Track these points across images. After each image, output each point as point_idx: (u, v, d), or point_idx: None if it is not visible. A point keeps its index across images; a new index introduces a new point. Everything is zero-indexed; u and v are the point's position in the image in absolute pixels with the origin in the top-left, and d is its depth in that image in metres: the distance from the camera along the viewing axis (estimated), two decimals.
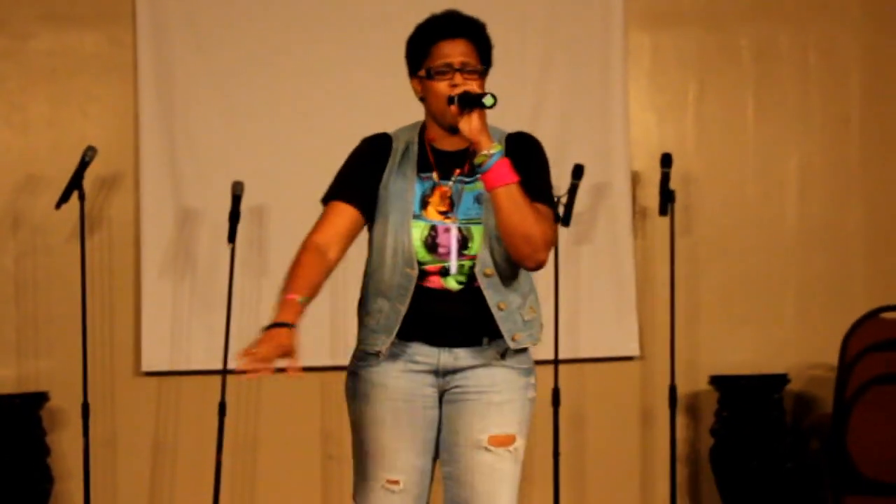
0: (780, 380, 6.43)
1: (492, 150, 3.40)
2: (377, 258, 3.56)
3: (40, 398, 6.28)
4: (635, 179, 6.60)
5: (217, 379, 6.13)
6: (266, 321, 6.43)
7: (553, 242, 3.49)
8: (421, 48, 3.56)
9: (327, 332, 6.39)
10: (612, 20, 6.56)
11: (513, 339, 3.53)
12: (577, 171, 6.17)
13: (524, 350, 3.59)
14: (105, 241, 6.50)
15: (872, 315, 6.30)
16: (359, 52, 6.48)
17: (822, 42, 6.72)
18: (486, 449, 3.51)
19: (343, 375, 6.23)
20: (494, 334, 3.54)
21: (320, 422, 6.48)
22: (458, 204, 3.54)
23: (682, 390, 6.41)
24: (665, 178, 6.19)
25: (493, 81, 6.68)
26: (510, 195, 3.39)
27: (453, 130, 3.50)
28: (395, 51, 6.43)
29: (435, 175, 3.56)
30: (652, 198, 6.42)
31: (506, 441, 3.53)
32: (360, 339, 3.60)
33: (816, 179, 6.73)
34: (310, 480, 6.50)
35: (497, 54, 6.46)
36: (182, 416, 6.50)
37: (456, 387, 3.56)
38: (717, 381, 6.44)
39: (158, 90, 6.43)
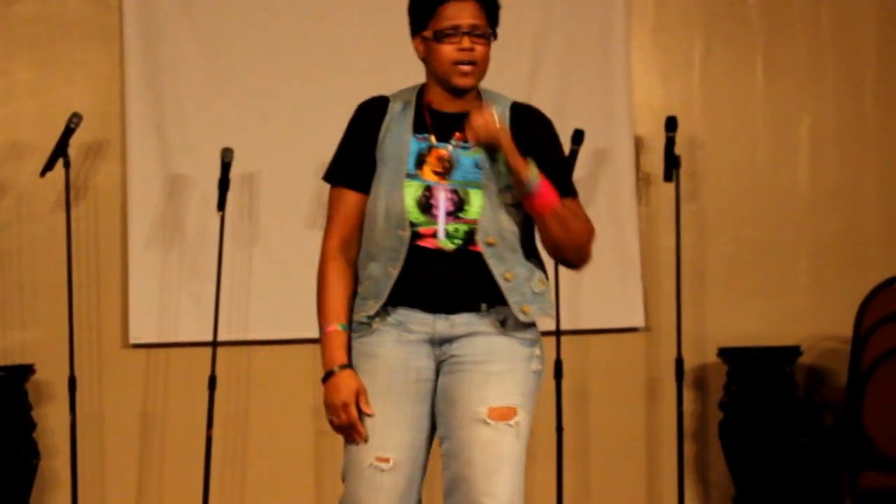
0: (792, 352, 6.35)
1: (531, 178, 3.33)
2: (370, 221, 3.44)
3: (26, 371, 6.25)
4: (638, 144, 6.53)
5: (207, 351, 6.10)
6: (256, 291, 6.44)
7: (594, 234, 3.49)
8: (427, 7, 3.44)
9: None
10: None
11: (522, 312, 3.39)
12: (577, 137, 6.11)
13: (531, 322, 3.45)
14: (91, 209, 6.46)
15: (888, 284, 6.25)
16: (352, 15, 6.41)
17: None
18: (485, 422, 3.33)
19: None
20: (494, 300, 3.41)
21: (313, 396, 6.39)
22: (455, 166, 3.43)
23: (689, 363, 6.33)
24: (670, 143, 6.11)
25: None
26: (556, 217, 3.36)
27: (456, 93, 3.44)
28: (389, 14, 6.37)
29: (432, 137, 3.45)
30: (656, 163, 6.32)
31: (506, 414, 3.34)
32: (354, 310, 3.46)
33: (829, 143, 6.64)
34: (302, 457, 6.45)
35: None
36: (171, 390, 6.46)
37: (453, 356, 3.40)
38: (726, 353, 6.36)
39: (145, 55, 6.38)
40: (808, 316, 6.56)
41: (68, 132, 6.02)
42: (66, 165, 6.04)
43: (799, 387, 6.36)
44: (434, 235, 3.38)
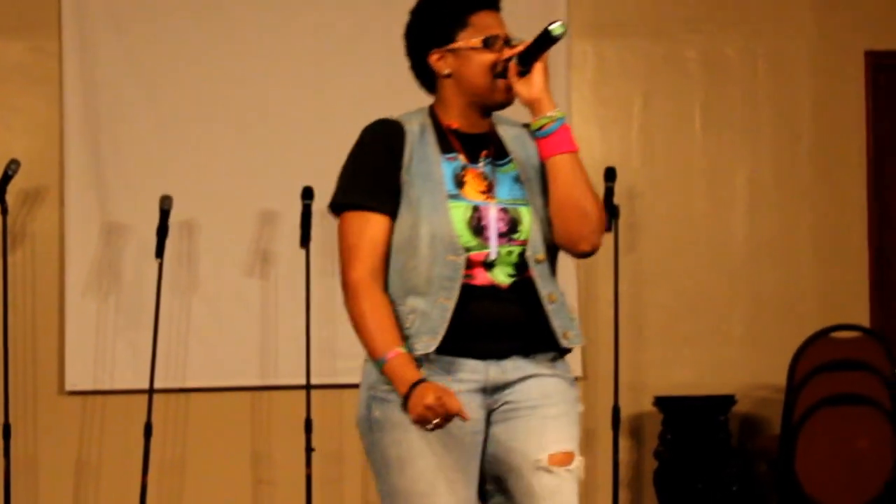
0: (727, 401, 6.36)
1: (556, 114, 3.15)
2: (407, 251, 3.11)
3: None
4: None
5: (143, 398, 6.03)
6: (194, 339, 6.35)
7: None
8: (453, 16, 3.18)
9: (256, 352, 6.33)
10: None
11: (564, 337, 3.15)
12: None
13: (564, 357, 3.22)
14: (28, 256, 6.38)
15: (822, 335, 6.26)
16: (292, 64, 6.40)
17: (772, 53, 6.68)
18: (547, 470, 3.10)
19: (276, 395, 6.34)
20: (544, 338, 3.16)
21: (250, 444, 6.39)
22: (495, 185, 3.17)
23: (625, 411, 6.33)
24: (609, 193, 6.12)
25: (419, 97, 6.59)
26: (573, 164, 3.14)
27: (488, 111, 3.21)
28: (331, 62, 6.42)
29: (462, 157, 3.18)
30: None
31: (565, 460, 3.12)
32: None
33: (766, 195, 6.68)
34: None
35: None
36: (106, 437, 6.38)
37: (506, 403, 3.14)
38: (662, 402, 6.37)
39: (84, 101, 6.33)
40: (744, 365, 6.58)
41: (6, 178, 5.98)
42: (4, 212, 6.01)
43: (733, 435, 6.37)
44: (485, 263, 3.12)
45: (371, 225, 3.12)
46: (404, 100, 6.26)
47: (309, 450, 6.00)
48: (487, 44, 3.16)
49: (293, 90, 6.36)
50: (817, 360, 6.15)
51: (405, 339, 3.08)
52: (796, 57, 6.68)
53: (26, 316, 6.35)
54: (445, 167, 3.16)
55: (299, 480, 6.02)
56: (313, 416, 6.03)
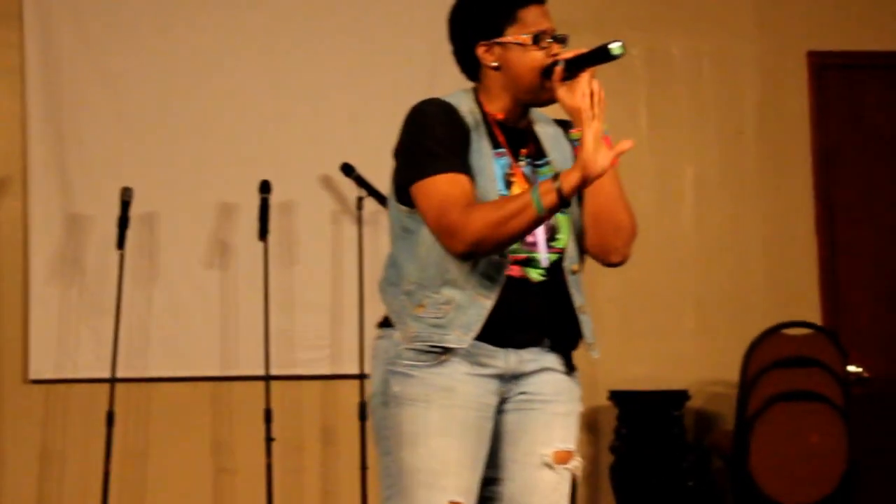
0: (681, 396, 6.39)
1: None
2: None
3: None
4: None
5: (105, 387, 6.05)
6: (155, 329, 6.32)
7: None
8: (502, 11, 3.16)
9: (217, 343, 6.36)
10: None
11: (590, 347, 3.26)
12: None
13: (571, 357, 3.29)
14: None
15: (774, 331, 6.28)
16: (250, 58, 6.45)
17: (716, 51, 6.75)
18: (549, 466, 3.18)
19: (237, 385, 6.35)
20: (560, 336, 3.23)
21: (211, 433, 6.40)
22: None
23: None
24: None
25: (376, 91, 6.59)
26: (612, 177, 3.14)
27: (527, 106, 3.19)
28: (289, 56, 6.45)
29: (507, 154, 3.19)
30: None
31: (566, 458, 3.22)
32: (413, 335, 3.12)
33: (713, 191, 6.74)
34: (201, 493, 6.42)
35: (382, 61, 6.46)
36: (70, 425, 6.38)
37: (521, 393, 3.19)
38: (616, 396, 6.39)
39: (47, 92, 6.35)
40: (697, 360, 6.61)
41: None
42: None
43: (688, 430, 6.40)
44: (520, 263, 3.14)
45: (459, 182, 3.07)
46: (361, 93, 6.41)
47: (269, 439, 6.03)
48: (537, 40, 3.15)
49: (252, 85, 6.41)
50: (769, 356, 6.17)
51: (436, 327, 3.10)
52: (740, 56, 6.74)
53: None
54: (496, 165, 3.16)
55: (259, 469, 6.04)
56: (273, 406, 6.07)
